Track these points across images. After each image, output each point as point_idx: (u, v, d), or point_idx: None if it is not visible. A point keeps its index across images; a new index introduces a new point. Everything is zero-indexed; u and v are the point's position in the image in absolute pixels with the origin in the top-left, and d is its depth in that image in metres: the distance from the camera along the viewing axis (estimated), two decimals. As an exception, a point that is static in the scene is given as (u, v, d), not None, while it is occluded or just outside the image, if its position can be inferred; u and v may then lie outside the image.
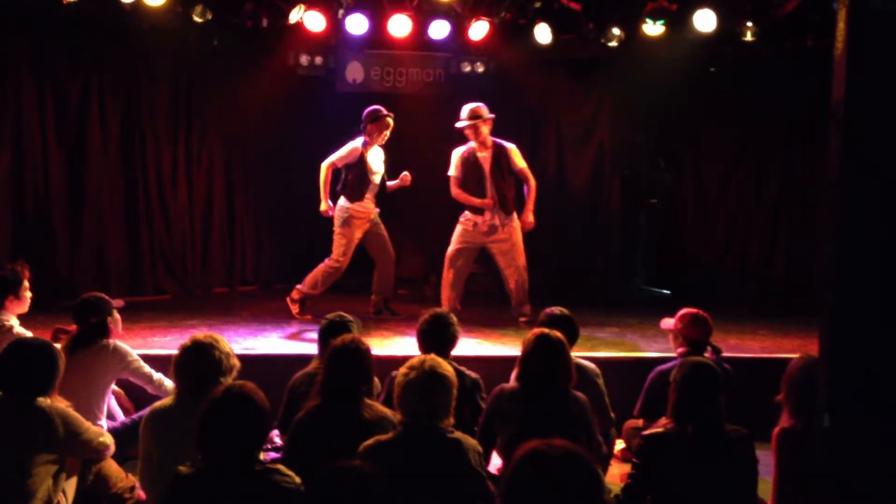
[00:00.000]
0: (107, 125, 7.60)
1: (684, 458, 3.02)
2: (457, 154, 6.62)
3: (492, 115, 6.52)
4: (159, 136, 7.96)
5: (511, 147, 6.62)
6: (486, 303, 7.57)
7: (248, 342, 5.74)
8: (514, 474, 1.98)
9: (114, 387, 4.41)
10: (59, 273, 7.23)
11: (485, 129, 6.47)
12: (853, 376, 1.82)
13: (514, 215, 6.63)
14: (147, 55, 7.66)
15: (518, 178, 6.65)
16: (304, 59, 8.09)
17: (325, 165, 6.57)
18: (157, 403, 3.42)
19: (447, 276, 6.65)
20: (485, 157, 6.53)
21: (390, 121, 6.54)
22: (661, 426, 3.18)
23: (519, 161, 6.60)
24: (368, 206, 6.64)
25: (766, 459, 3.28)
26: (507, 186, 6.58)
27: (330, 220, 6.71)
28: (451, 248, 6.67)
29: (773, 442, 3.32)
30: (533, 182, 6.62)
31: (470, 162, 6.55)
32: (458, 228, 6.67)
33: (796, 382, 3.33)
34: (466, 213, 6.66)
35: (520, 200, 6.74)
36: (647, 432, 3.23)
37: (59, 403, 3.38)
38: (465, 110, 6.51)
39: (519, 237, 6.64)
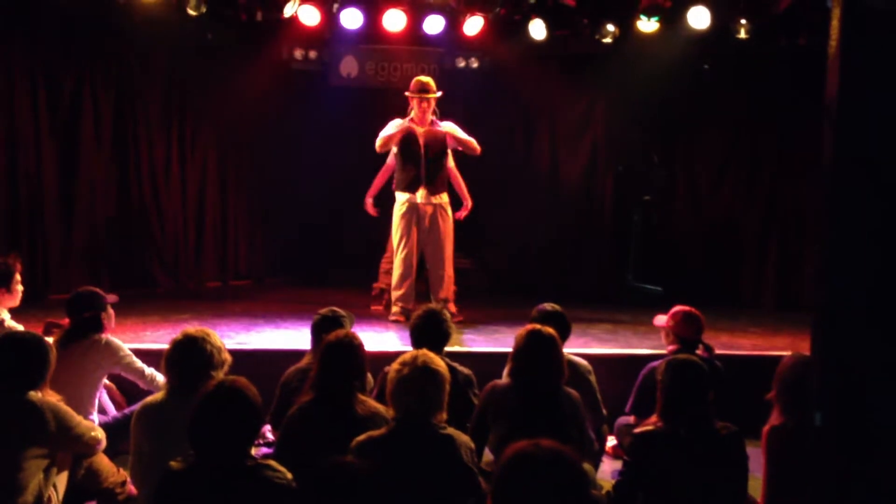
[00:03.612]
0: (100, 118, 7.57)
1: (675, 455, 3.03)
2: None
3: (439, 94, 6.38)
4: (152, 129, 7.94)
5: (448, 125, 6.44)
6: (478, 299, 7.57)
7: (240, 337, 5.73)
8: (502, 476, 2.00)
9: (106, 381, 4.40)
10: (51, 266, 7.21)
11: (425, 105, 6.31)
12: (845, 375, 1.83)
13: (447, 201, 6.50)
14: (141, 48, 7.63)
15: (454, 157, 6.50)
16: (298, 54, 8.07)
17: None
18: (149, 398, 3.41)
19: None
20: (421, 133, 6.37)
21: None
22: (651, 423, 3.19)
23: (459, 133, 6.39)
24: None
25: (756, 457, 3.29)
26: (441, 167, 6.43)
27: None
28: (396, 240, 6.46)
29: (763, 439, 3.34)
30: (477, 148, 6.41)
31: (407, 134, 6.37)
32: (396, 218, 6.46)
33: (787, 380, 3.34)
34: (397, 194, 6.48)
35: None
36: (637, 430, 3.24)
37: (50, 398, 3.37)
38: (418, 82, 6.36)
39: (450, 227, 6.50)
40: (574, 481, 1.98)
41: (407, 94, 6.41)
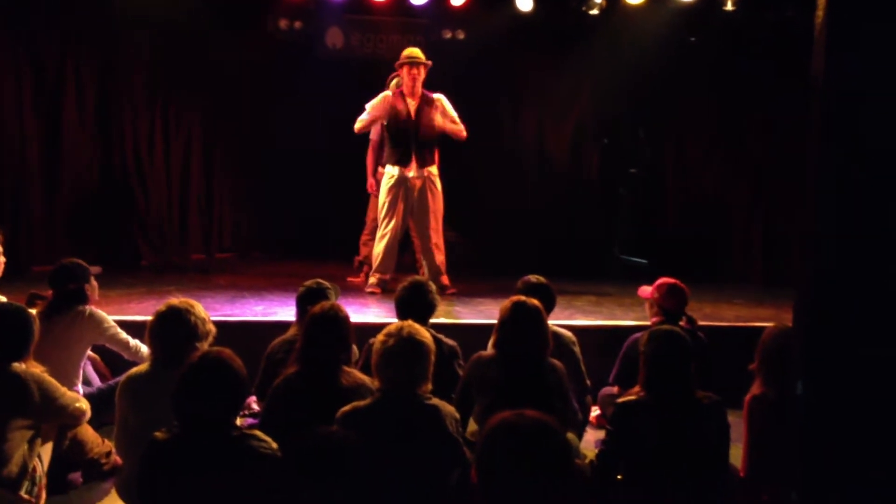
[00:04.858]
0: (83, 94, 7.50)
1: (657, 424, 3.06)
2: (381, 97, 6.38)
3: (428, 62, 6.29)
4: (136, 103, 7.86)
5: (440, 97, 6.36)
6: (464, 270, 7.58)
7: (225, 309, 5.71)
8: (486, 446, 2.02)
9: (90, 352, 4.39)
10: (34, 239, 7.15)
11: (416, 73, 6.22)
12: (827, 345, 1.84)
13: (436, 173, 6.44)
14: (124, 22, 7.51)
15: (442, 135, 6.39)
16: (283, 24, 7.98)
17: None
18: (133, 370, 3.41)
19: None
20: (412, 105, 6.31)
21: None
22: (634, 393, 3.22)
23: (449, 110, 6.32)
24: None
25: (738, 426, 3.33)
26: (431, 139, 6.36)
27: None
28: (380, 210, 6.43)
29: (744, 409, 3.38)
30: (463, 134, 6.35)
31: (396, 107, 6.31)
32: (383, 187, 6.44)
33: (769, 351, 3.38)
34: (386, 167, 6.49)
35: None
36: (620, 399, 3.27)
37: (34, 369, 3.36)
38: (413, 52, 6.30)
39: (440, 200, 6.46)
40: (558, 451, 2.01)
41: (396, 64, 6.35)
